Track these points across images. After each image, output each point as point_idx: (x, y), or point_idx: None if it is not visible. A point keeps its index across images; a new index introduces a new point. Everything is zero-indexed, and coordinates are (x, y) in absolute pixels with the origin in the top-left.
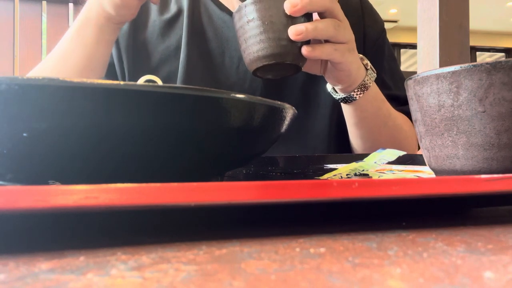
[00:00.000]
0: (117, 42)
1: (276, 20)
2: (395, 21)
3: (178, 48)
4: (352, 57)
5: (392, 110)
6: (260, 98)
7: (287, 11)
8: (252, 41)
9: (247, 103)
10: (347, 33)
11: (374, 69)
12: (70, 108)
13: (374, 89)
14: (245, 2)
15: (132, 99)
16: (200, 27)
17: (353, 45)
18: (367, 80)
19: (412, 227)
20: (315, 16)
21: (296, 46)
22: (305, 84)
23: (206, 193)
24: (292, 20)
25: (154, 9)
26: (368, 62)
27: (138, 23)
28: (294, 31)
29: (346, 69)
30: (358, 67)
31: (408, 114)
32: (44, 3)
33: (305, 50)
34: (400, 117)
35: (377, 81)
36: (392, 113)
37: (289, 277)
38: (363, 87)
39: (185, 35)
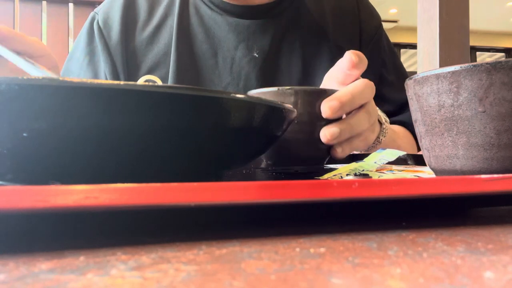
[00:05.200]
0: (110, 57)
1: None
2: (395, 21)
3: (167, 53)
4: (374, 134)
5: (402, 142)
6: (260, 98)
7: (325, 115)
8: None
9: (247, 103)
10: (374, 115)
11: (387, 118)
12: (70, 108)
13: (388, 136)
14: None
15: (132, 99)
16: (190, 29)
17: (375, 118)
18: (381, 136)
19: (412, 227)
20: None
21: (323, 148)
22: (300, 82)
23: (206, 193)
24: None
25: (141, 16)
26: (382, 114)
27: (128, 32)
28: (329, 134)
29: (366, 144)
30: (375, 132)
31: (406, 123)
32: (44, 3)
33: (336, 153)
34: (408, 141)
35: (376, 76)
36: (401, 144)
37: (289, 277)
38: (377, 142)
39: (174, 38)
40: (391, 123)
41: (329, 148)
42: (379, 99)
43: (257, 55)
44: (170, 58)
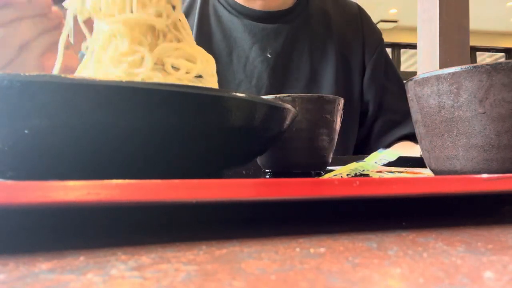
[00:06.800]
0: None
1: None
2: (395, 21)
3: None
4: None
5: None
6: (261, 97)
7: None
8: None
9: (248, 102)
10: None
11: None
12: (72, 105)
13: None
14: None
15: (134, 97)
16: (209, 28)
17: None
18: None
19: (412, 227)
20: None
21: (322, 155)
22: (307, 84)
23: (208, 190)
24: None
25: None
26: None
27: None
28: None
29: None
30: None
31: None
32: None
33: None
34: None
35: (379, 87)
36: None
37: (289, 277)
38: None
39: (194, 36)
40: (399, 139)
41: (328, 155)
42: (385, 109)
43: (270, 56)
44: None
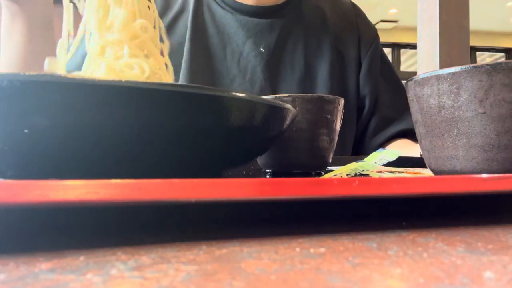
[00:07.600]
0: None
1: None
2: (395, 21)
3: (181, 43)
4: None
5: None
6: (261, 97)
7: None
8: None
9: (248, 102)
10: None
11: None
12: (71, 105)
13: None
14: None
15: (133, 97)
16: (203, 24)
17: None
18: None
19: (412, 227)
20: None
21: (322, 155)
22: (302, 79)
23: (207, 189)
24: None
25: (158, 9)
26: None
27: None
28: None
29: None
30: None
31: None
32: None
33: None
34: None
35: (376, 83)
36: None
37: (289, 277)
38: None
39: (189, 31)
40: (394, 135)
41: (328, 155)
42: (381, 105)
43: (263, 50)
44: (184, 47)
